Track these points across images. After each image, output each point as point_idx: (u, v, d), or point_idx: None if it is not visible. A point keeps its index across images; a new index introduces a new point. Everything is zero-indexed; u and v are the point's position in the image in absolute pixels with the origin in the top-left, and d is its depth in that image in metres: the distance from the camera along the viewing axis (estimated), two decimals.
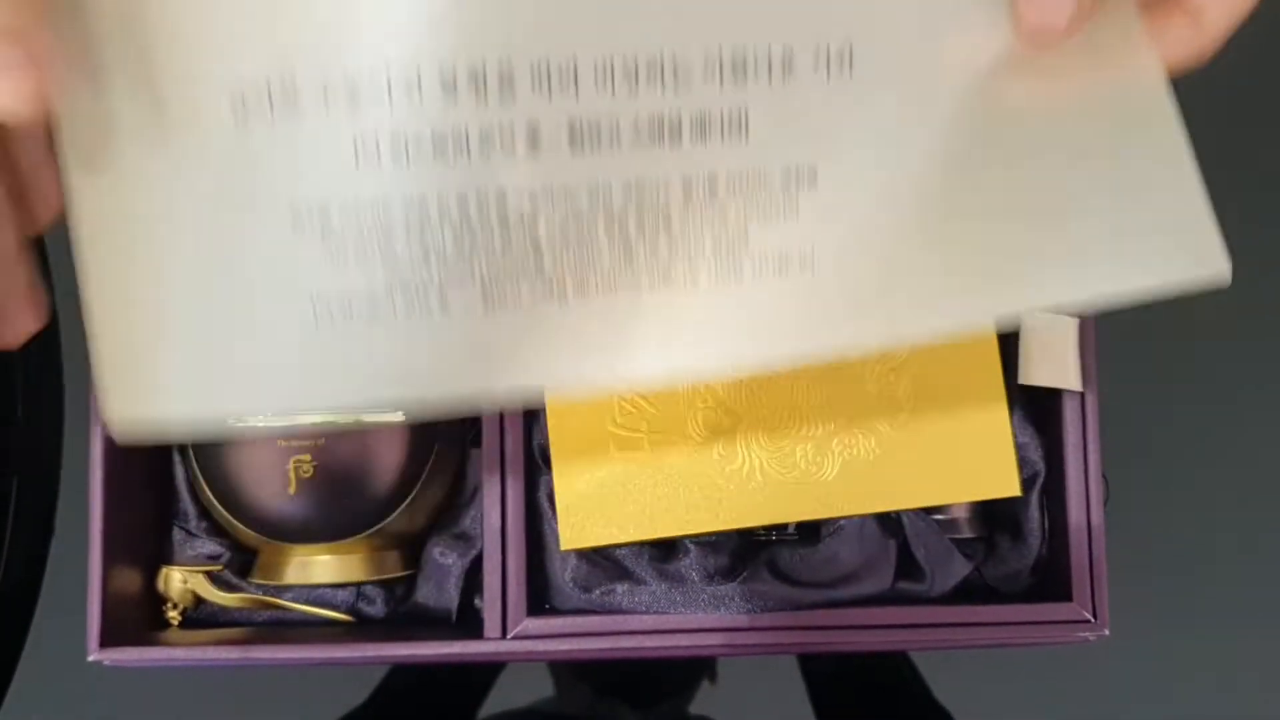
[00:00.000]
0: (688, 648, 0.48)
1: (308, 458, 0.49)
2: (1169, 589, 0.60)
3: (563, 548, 0.49)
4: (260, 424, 0.48)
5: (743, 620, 0.48)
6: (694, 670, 0.59)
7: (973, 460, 0.49)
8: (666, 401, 0.49)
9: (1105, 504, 0.49)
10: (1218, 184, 0.61)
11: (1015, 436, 0.51)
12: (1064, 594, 0.49)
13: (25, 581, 0.58)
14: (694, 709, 0.59)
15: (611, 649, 0.48)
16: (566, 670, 0.59)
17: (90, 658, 0.48)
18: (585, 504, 0.49)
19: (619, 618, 0.48)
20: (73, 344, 0.59)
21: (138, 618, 0.51)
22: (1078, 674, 0.60)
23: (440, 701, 0.60)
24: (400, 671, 0.58)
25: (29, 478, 0.58)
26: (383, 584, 0.53)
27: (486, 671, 0.59)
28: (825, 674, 0.59)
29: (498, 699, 0.59)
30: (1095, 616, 0.48)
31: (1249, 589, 0.60)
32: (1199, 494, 0.60)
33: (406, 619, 0.52)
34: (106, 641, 0.48)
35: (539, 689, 0.59)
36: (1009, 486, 0.49)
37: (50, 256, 0.59)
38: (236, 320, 0.28)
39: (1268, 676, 0.60)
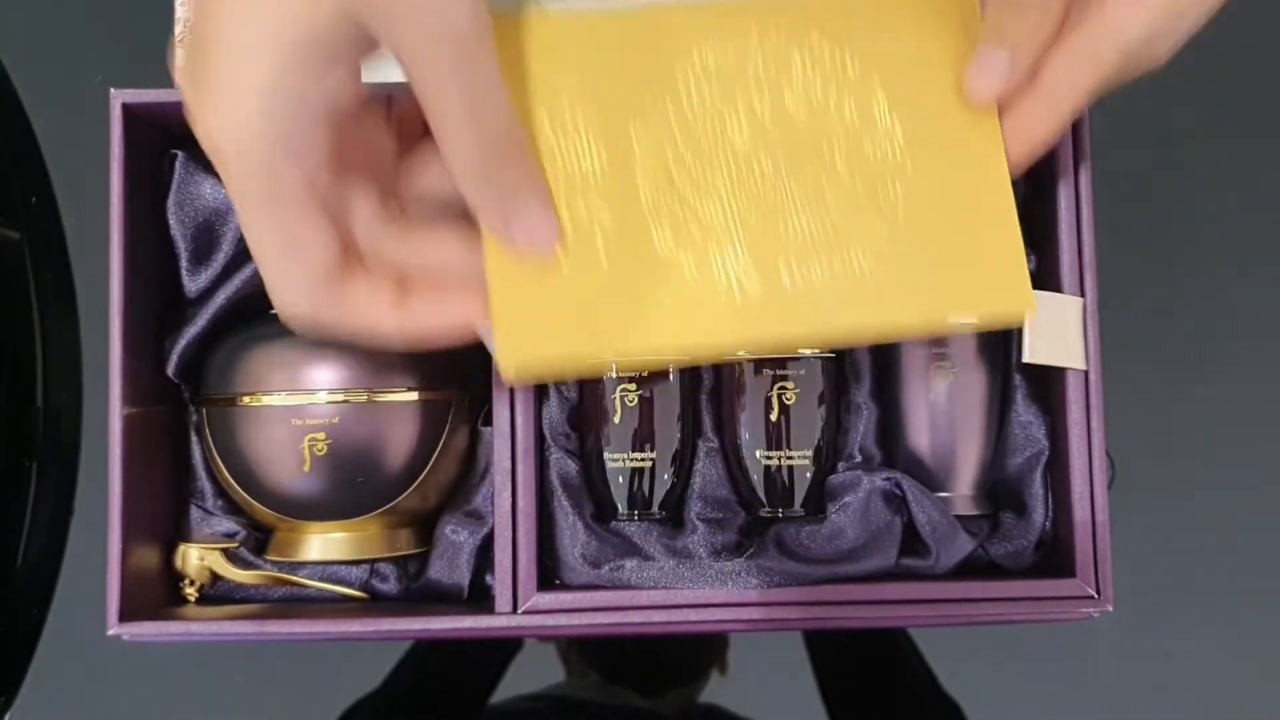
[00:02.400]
0: (695, 623, 0.49)
1: (322, 436, 0.49)
2: (1174, 567, 0.60)
3: (503, 370, 0.39)
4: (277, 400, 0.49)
5: (750, 596, 0.48)
6: (703, 659, 0.59)
7: (979, 270, 0.40)
8: (627, 210, 0.40)
9: (1110, 483, 0.49)
10: (1228, 180, 0.61)
11: (1019, 411, 0.50)
12: (1068, 570, 0.49)
13: (45, 561, 0.59)
14: (702, 698, 0.59)
15: (620, 624, 0.48)
16: (576, 657, 0.60)
17: (110, 632, 0.48)
18: (529, 316, 0.39)
19: (627, 593, 0.48)
20: (91, 331, 0.60)
21: (156, 594, 0.52)
22: (1081, 653, 0.60)
23: (452, 688, 0.60)
24: (412, 657, 0.59)
25: (49, 461, 0.59)
26: (396, 561, 0.53)
27: (497, 659, 0.59)
28: (834, 664, 0.59)
29: (508, 686, 0.59)
30: (1099, 593, 0.48)
31: (1253, 568, 0.60)
32: (1204, 472, 0.60)
33: (419, 595, 0.53)
34: (126, 616, 0.48)
35: (549, 676, 0.59)
36: (1021, 299, 0.40)
37: (72, 259, 0.60)
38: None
39: (1271, 654, 0.60)
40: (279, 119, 0.34)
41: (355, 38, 0.34)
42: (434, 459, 0.51)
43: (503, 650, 0.59)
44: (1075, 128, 0.49)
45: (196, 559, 0.53)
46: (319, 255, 0.36)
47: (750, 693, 0.59)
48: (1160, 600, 0.59)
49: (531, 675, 0.59)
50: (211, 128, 0.34)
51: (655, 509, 0.51)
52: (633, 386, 0.51)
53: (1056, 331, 0.49)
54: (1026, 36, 0.38)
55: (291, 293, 0.37)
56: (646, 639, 0.59)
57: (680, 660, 0.60)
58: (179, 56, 0.56)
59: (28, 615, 0.59)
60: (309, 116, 0.34)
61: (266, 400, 0.50)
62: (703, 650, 0.60)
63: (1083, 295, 0.49)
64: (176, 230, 0.53)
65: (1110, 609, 0.48)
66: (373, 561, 0.53)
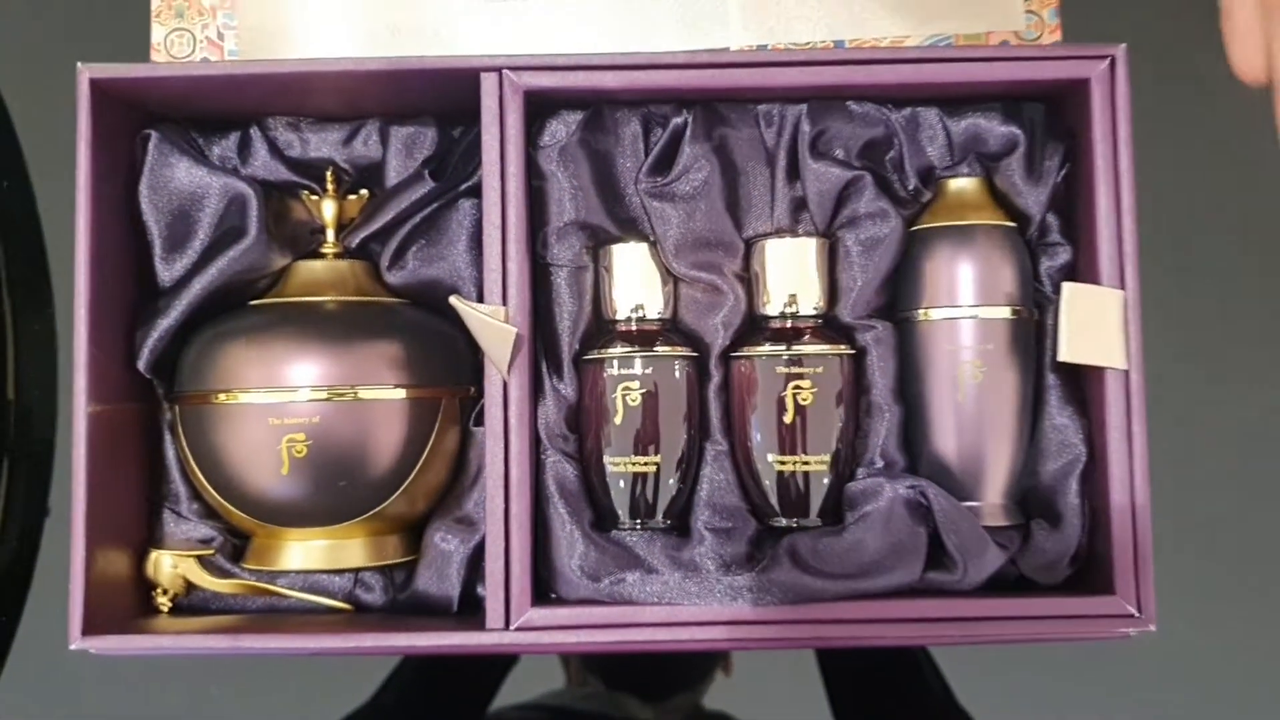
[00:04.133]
0: (701, 641, 0.47)
1: (301, 437, 0.48)
2: (1214, 583, 0.57)
3: None
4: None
5: (761, 613, 0.46)
6: (708, 662, 0.58)
7: None
8: None
9: None
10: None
11: (1053, 414, 0.49)
12: (1106, 587, 0.47)
13: (17, 564, 0.57)
14: (708, 702, 0.58)
15: (620, 642, 0.47)
16: (577, 662, 0.59)
17: (72, 646, 0.47)
18: None
19: (628, 609, 0.47)
20: (67, 323, 0.57)
21: (126, 604, 0.51)
22: (1115, 670, 0.58)
23: (448, 700, 0.59)
24: (406, 667, 0.58)
25: (20, 458, 0.58)
26: (381, 570, 0.52)
27: (496, 670, 0.58)
28: (844, 670, 0.58)
29: (506, 691, 0.58)
30: (1140, 610, 0.46)
31: None
32: (1250, 481, 0.58)
33: (406, 607, 0.52)
34: (90, 629, 0.47)
35: (549, 681, 0.58)
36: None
37: (49, 262, 0.58)
38: None
39: None
40: None
41: None
42: (422, 461, 0.49)
43: (501, 661, 0.58)
44: (1114, 110, 0.48)
45: (169, 567, 0.51)
46: None
47: (758, 698, 0.58)
48: (1198, 617, 0.57)
49: (531, 680, 0.58)
50: None
51: (659, 517, 0.50)
52: (635, 384, 0.49)
53: (1095, 327, 0.47)
54: None
55: None
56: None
57: (684, 663, 0.59)
58: (157, 33, 0.55)
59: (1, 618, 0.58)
60: None
61: (243, 398, 0.48)
62: (707, 653, 0.58)
63: (1123, 288, 0.47)
64: (149, 215, 0.52)
65: (1153, 629, 0.46)
66: (357, 571, 0.52)
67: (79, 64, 0.48)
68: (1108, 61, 0.47)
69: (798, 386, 0.49)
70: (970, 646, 0.56)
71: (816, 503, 0.49)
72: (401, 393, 0.48)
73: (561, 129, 0.51)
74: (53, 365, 0.59)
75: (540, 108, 0.50)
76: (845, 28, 0.54)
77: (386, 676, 0.57)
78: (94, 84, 0.48)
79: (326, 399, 0.48)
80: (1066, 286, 0.48)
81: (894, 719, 0.59)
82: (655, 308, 0.50)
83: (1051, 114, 0.51)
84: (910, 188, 0.51)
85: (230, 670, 0.58)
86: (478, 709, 0.58)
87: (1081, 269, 0.50)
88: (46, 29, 0.61)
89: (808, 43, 0.54)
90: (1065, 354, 0.47)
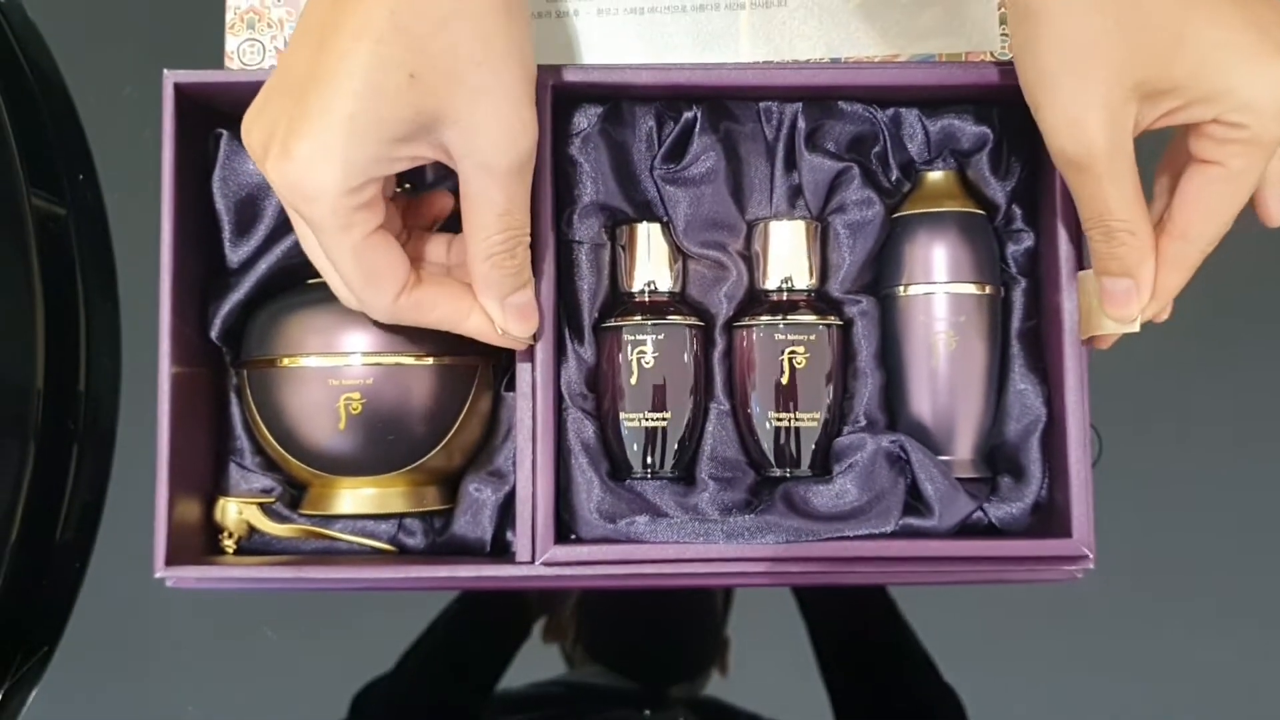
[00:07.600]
0: (705, 576, 0.50)
1: (357, 396, 0.50)
2: (1162, 538, 0.60)
3: None
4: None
5: (757, 551, 0.49)
6: (706, 657, 0.59)
7: None
8: None
9: (1096, 459, 0.50)
10: None
11: (1017, 380, 0.52)
12: (1064, 531, 0.50)
13: (81, 534, 0.60)
14: (706, 692, 0.59)
15: (633, 575, 0.50)
16: (579, 651, 0.60)
17: (156, 574, 0.50)
18: None
19: (640, 547, 0.50)
20: (130, 310, 0.61)
21: (196, 546, 0.54)
22: (1068, 617, 0.60)
23: (455, 681, 0.61)
24: (418, 648, 0.60)
25: (88, 442, 0.60)
26: (422, 516, 0.55)
27: (505, 646, 0.60)
28: (837, 656, 0.59)
29: (510, 680, 0.59)
30: (1091, 553, 0.49)
31: (1238, 547, 0.60)
32: (1193, 446, 0.60)
33: (444, 550, 0.54)
34: (171, 561, 0.50)
35: (551, 669, 0.59)
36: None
37: (115, 252, 0.61)
38: None
39: (1250, 619, 0.60)
40: (359, 179, 0.42)
41: (423, 139, 0.43)
42: (460, 420, 0.52)
43: (510, 638, 0.60)
44: None
45: (235, 513, 0.54)
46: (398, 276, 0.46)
47: (753, 689, 0.59)
48: (1148, 569, 0.59)
49: (534, 670, 0.59)
50: (301, 178, 0.42)
51: (668, 468, 0.52)
52: (648, 350, 0.51)
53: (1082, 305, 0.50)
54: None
55: (376, 309, 0.46)
56: (650, 635, 0.61)
57: (683, 654, 0.60)
58: (231, 44, 0.58)
59: (64, 582, 0.60)
60: (376, 184, 0.43)
61: (304, 362, 0.51)
62: (704, 649, 0.60)
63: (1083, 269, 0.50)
64: (220, 204, 0.54)
65: (1091, 566, 0.49)
66: (400, 516, 0.55)
67: (165, 70, 0.51)
68: None
69: (792, 353, 0.51)
70: (941, 609, 0.58)
71: (807, 455, 0.52)
72: (443, 360, 0.51)
73: (584, 121, 0.52)
74: (117, 354, 0.60)
75: (566, 101, 0.52)
76: (843, 46, 0.56)
77: (405, 651, 0.59)
78: (178, 88, 0.51)
79: (377, 364, 0.50)
80: (1081, 275, 0.49)
81: (884, 696, 0.60)
82: (666, 282, 0.52)
83: (1017, 116, 0.52)
84: (893, 178, 0.53)
85: (281, 615, 0.59)
86: (488, 679, 0.59)
87: (1042, 253, 0.52)
88: (111, 31, 0.62)
89: (808, 60, 0.56)
90: (1089, 331, 0.48)
